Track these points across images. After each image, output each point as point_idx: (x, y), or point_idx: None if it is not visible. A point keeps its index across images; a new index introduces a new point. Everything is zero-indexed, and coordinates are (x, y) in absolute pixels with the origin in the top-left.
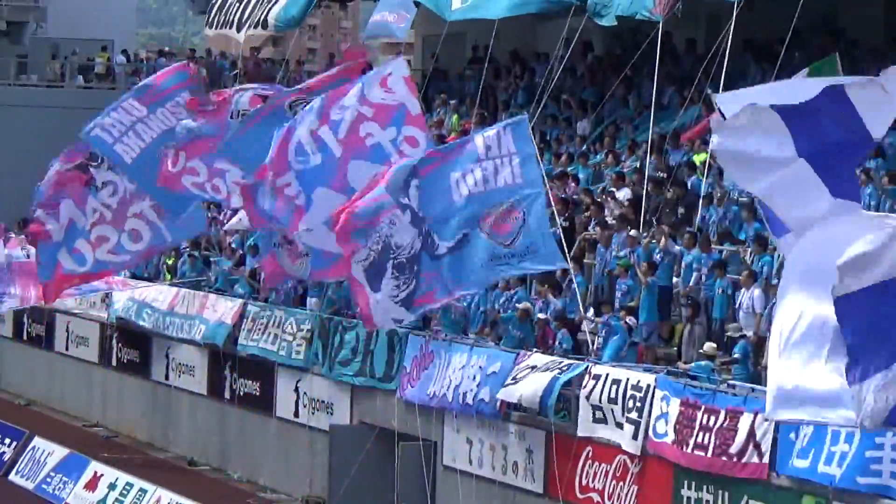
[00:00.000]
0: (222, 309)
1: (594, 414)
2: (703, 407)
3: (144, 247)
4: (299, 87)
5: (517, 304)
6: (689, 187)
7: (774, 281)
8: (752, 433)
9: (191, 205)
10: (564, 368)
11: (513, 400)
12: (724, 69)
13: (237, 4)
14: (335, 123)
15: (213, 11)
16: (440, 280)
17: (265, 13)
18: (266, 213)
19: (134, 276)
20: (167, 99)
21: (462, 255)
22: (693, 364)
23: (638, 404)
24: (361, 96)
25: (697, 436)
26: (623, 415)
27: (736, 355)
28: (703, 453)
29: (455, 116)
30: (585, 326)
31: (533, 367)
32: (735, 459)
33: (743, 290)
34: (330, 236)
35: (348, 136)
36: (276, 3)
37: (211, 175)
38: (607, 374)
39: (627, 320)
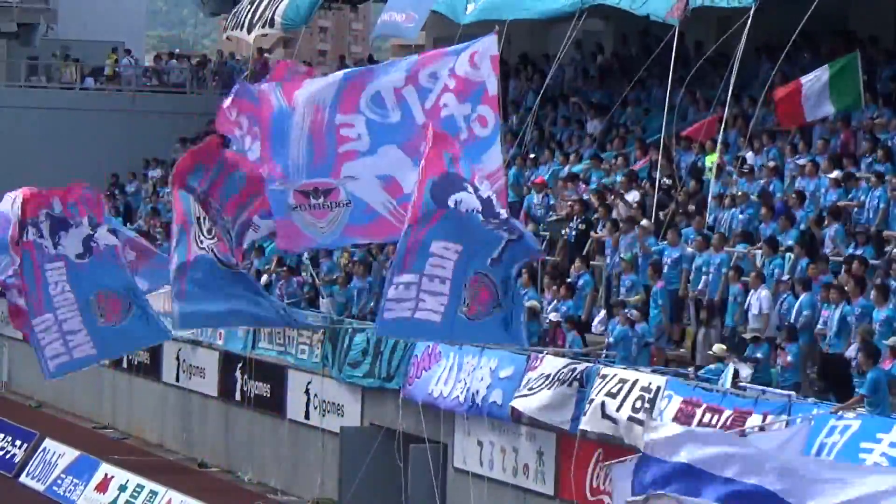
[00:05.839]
0: None
1: (603, 415)
2: (704, 405)
3: None
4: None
5: (524, 303)
6: (700, 188)
7: (786, 277)
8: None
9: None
10: (578, 377)
11: (530, 413)
12: (735, 71)
13: (248, 7)
14: (424, 91)
15: (230, 17)
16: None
17: (273, 12)
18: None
19: None
20: None
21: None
22: (704, 370)
23: (647, 405)
24: (451, 68)
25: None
26: (632, 415)
27: (758, 355)
28: None
29: None
30: (595, 329)
31: (548, 377)
32: None
33: (751, 291)
34: (380, 193)
35: (433, 108)
36: (282, 1)
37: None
38: (615, 375)
39: (636, 327)
